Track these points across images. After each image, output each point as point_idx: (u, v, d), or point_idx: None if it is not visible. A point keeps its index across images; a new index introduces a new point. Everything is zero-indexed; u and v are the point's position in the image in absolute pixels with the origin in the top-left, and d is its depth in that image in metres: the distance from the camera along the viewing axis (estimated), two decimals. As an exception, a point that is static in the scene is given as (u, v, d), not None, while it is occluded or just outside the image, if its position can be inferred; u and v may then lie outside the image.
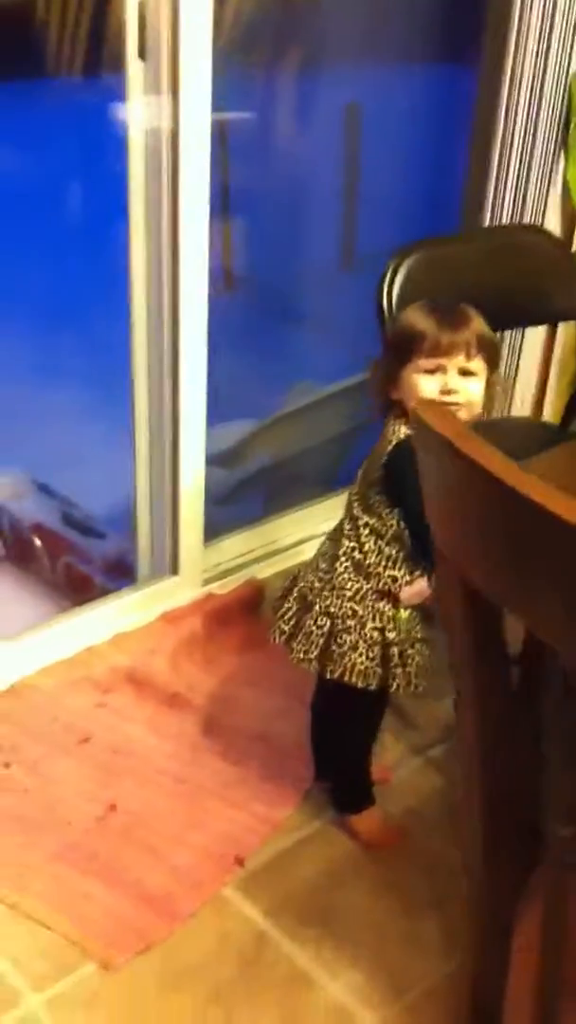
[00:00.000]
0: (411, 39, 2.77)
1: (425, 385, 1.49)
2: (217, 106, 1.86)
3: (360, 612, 1.56)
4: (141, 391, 2.07)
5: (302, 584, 1.62)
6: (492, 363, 1.54)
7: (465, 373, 1.50)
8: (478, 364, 1.51)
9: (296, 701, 1.92)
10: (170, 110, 1.81)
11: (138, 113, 1.85)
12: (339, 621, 1.56)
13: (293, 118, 3.12)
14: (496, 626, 0.80)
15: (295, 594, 1.62)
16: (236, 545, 2.35)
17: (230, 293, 3.12)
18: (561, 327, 2.52)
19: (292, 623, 1.61)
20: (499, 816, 0.89)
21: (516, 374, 2.51)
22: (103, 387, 2.48)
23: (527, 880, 0.94)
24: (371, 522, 1.55)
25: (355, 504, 1.58)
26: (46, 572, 2.36)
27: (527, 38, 2.17)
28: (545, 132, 2.28)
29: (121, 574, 2.28)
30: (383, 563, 1.55)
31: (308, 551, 2.38)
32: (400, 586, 1.56)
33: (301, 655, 1.59)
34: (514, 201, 2.32)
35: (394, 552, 1.55)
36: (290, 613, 1.61)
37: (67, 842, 1.66)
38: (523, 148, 2.28)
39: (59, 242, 3.28)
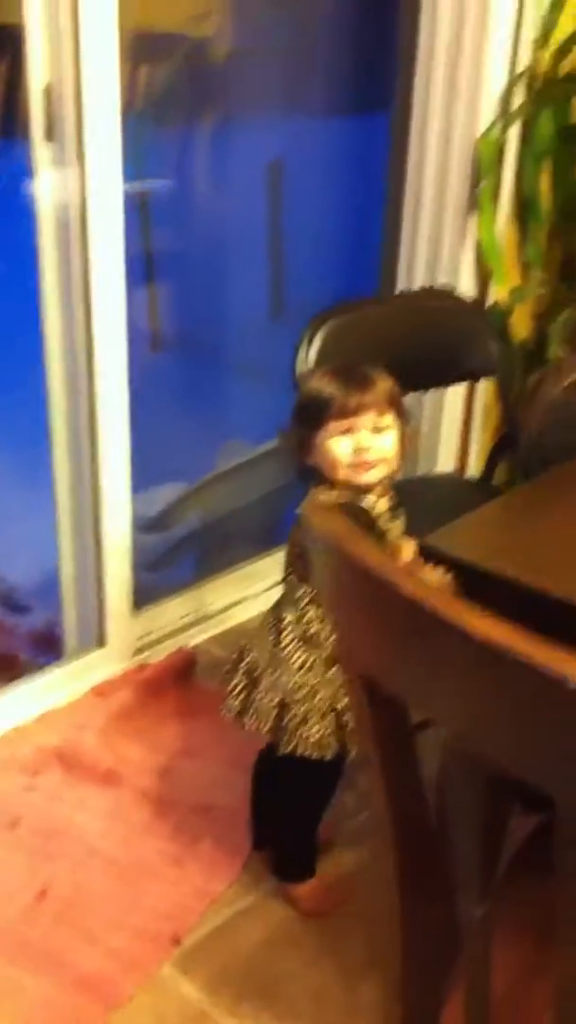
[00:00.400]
0: (330, 91, 2.81)
1: (339, 448, 1.49)
2: (136, 175, 1.87)
3: (310, 683, 1.54)
4: (61, 459, 2.05)
5: (249, 658, 1.60)
6: (402, 416, 1.54)
7: (377, 430, 1.50)
8: (389, 419, 1.51)
9: (234, 769, 1.90)
10: (79, 187, 1.81)
11: (47, 190, 1.85)
12: (288, 695, 1.54)
13: (214, 178, 3.15)
14: (400, 719, 0.79)
15: (243, 668, 1.60)
16: (167, 612, 2.32)
17: (158, 355, 3.12)
18: (480, 384, 2.55)
19: (242, 698, 1.59)
20: (416, 897, 0.86)
21: (439, 432, 2.53)
22: (24, 455, 2.44)
23: (450, 967, 0.92)
24: (310, 590, 1.54)
25: (291, 573, 1.57)
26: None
27: (433, 98, 2.22)
28: (456, 191, 2.32)
29: (49, 648, 2.23)
30: (328, 630, 1.53)
31: (242, 614, 2.38)
32: None
33: (254, 729, 1.57)
34: (427, 259, 2.35)
35: None
36: (239, 688, 1.59)
37: (-3, 931, 1.60)
38: (434, 207, 2.32)
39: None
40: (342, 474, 1.50)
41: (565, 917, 0.71)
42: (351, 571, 0.69)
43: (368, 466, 1.50)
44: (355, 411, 1.48)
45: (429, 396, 2.48)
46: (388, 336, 1.97)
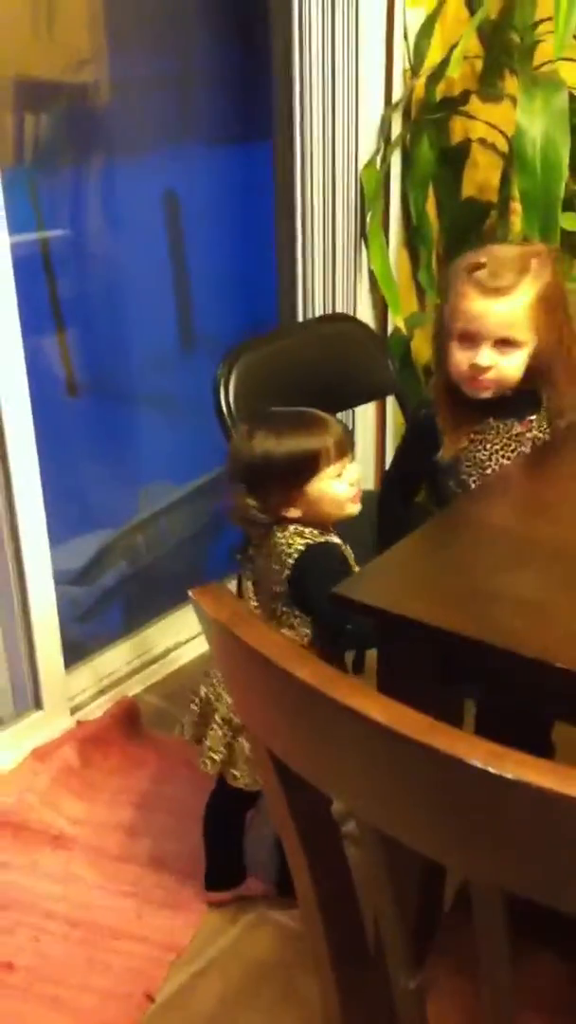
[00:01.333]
0: (216, 122, 2.83)
1: (339, 489, 1.57)
2: (33, 225, 1.86)
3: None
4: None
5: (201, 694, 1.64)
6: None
7: (352, 458, 1.61)
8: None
9: (184, 818, 1.90)
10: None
11: None
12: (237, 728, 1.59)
13: (113, 219, 3.15)
14: (312, 794, 0.79)
15: (196, 703, 1.65)
16: (103, 664, 2.30)
17: (74, 400, 3.10)
18: (388, 402, 2.58)
19: (195, 731, 1.64)
20: (351, 972, 0.87)
21: (354, 451, 2.56)
22: None
23: None
24: (286, 634, 1.57)
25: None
26: None
27: (311, 130, 2.24)
28: (344, 222, 2.35)
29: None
30: None
31: (181, 658, 2.37)
32: None
33: (207, 764, 1.61)
34: (324, 288, 2.38)
35: None
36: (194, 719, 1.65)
37: (-38, 1015, 1.57)
38: (325, 237, 2.34)
39: None
40: (347, 509, 1.59)
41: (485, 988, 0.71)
42: (247, 656, 0.70)
43: (360, 494, 1.61)
44: (345, 451, 1.57)
45: (341, 416, 2.51)
46: (297, 365, 2.02)
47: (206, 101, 2.79)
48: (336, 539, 1.59)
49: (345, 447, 1.58)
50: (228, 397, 1.87)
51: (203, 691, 1.63)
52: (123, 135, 2.89)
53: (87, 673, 2.26)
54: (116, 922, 1.73)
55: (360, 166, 2.29)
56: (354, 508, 1.60)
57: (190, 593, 0.72)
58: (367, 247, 2.35)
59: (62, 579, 2.16)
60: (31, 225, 2.70)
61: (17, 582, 2.04)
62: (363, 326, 2.21)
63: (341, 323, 2.24)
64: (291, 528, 1.57)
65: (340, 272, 2.36)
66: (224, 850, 1.76)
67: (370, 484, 2.64)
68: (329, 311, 2.41)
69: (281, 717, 0.73)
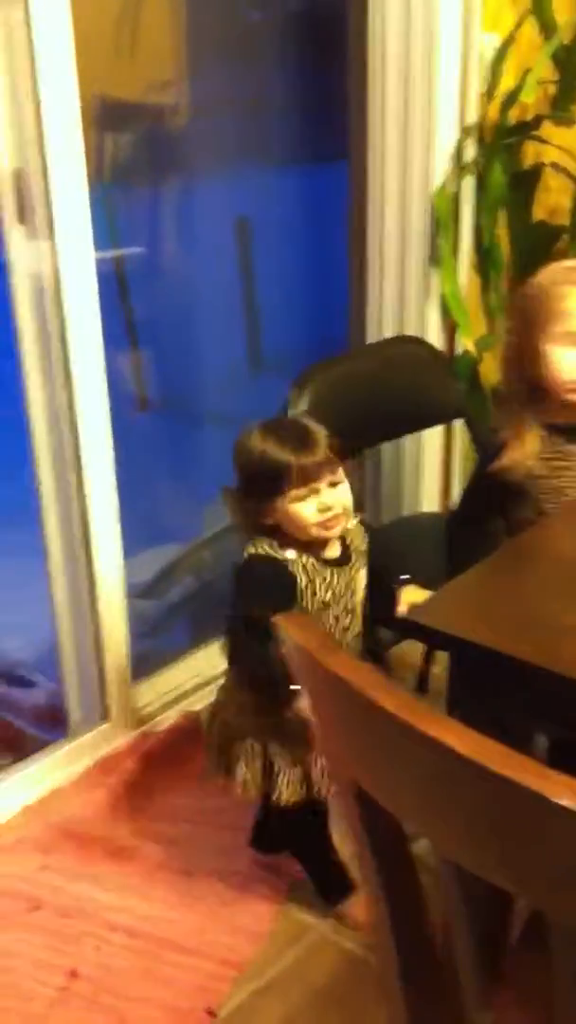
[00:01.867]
0: (288, 146, 2.86)
1: (305, 511, 1.55)
2: (109, 243, 1.90)
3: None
4: (51, 528, 2.06)
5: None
6: (344, 461, 1.60)
7: (333, 484, 1.57)
8: (340, 471, 1.58)
9: (247, 833, 1.90)
10: (51, 263, 1.84)
11: (21, 268, 1.88)
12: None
13: (186, 240, 3.20)
14: (394, 828, 0.80)
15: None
16: (167, 680, 2.32)
17: (144, 416, 3.15)
18: (456, 425, 2.58)
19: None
20: (421, 1001, 0.87)
21: (420, 473, 2.57)
22: (15, 528, 2.46)
23: None
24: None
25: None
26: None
27: (386, 155, 2.26)
28: (417, 245, 2.36)
29: (53, 722, 2.23)
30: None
31: (242, 675, 2.38)
32: None
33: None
34: (395, 311, 2.40)
35: None
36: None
37: (31, 1017, 1.59)
38: (397, 260, 2.36)
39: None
40: (312, 532, 1.57)
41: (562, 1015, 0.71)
42: (333, 684, 0.71)
43: (335, 522, 1.57)
44: (315, 476, 1.54)
45: (411, 439, 2.52)
46: (367, 387, 2.03)
47: (280, 124, 2.83)
48: (284, 553, 1.58)
49: (316, 473, 1.53)
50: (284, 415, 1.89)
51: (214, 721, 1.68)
52: (198, 156, 2.94)
53: (152, 687, 2.28)
54: (178, 936, 1.74)
55: (433, 190, 2.30)
56: (321, 532, 1.57)
57: (274, 620, 0.73)
58: (438, 270, 2.35)
59: (129, 592, 2.19)
60: (106, 243, 2.75)
61: (89, 594, 2.07)
62: (432, 349, 2.22)
63: (410, 345, 2.25)
64: (261, 537, 1.59)
65: (410, 295, 2.37)
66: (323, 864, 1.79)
67: (435, 506, 2.65)
68: (399, 333, 2.42)
69: (363, 745, 0.74)
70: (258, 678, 1.59)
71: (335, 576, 1.62)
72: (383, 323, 2.39)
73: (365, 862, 0.83)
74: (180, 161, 3.02)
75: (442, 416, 2.32)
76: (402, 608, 1.63)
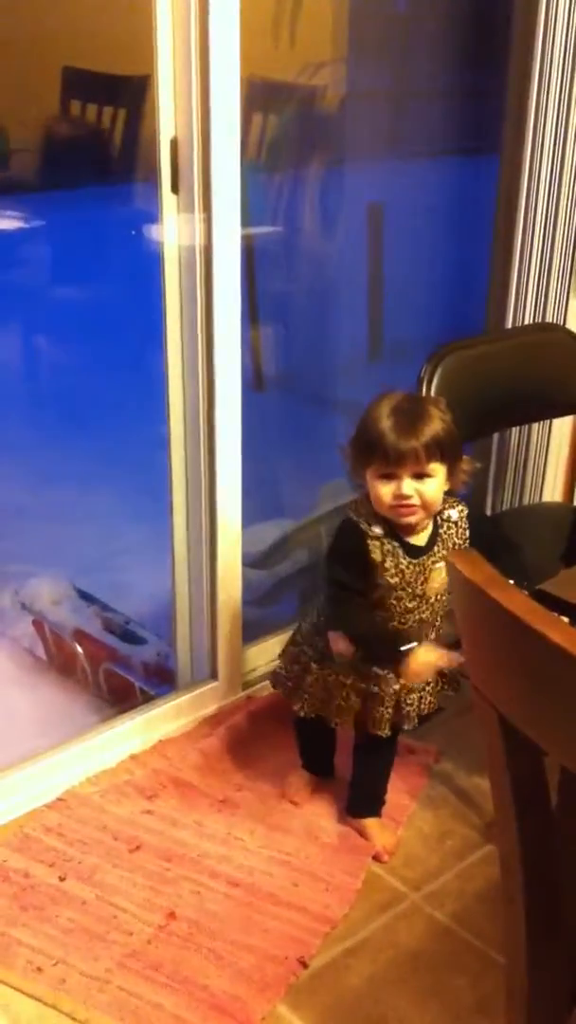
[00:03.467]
0: (431, 135, 2.87)
1: (382, 490, 1.61)
2: (241, 221, 1.94)
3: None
4: (179, 494, 2.12)
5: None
6: (449, 459, 1.62)
7: (419, 477, 1.60)
8: (433, 466, 1.60)
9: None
10: (202, 233, 1.90)
11: (172, 236, 1.94)
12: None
13: (316, 223, 3.23)
14: (534, 756, 0.82)
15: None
16: (274, 648, 2.36)
17: (261, 395, 3.20)
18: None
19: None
20: (543, 937, 0.89)
21: (545, 461, 2.56)
22: (141, 492, 2.54)
23: (571, 1006, 0.94)
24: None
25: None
26: (88, 679, 2.38)
27: (543, 143, 2.26)
28: (564, 234, 2.36)
29: (162, 679, 2.30)
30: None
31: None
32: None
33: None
34: (535, 302, 2.39)
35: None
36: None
37: (130, 952, 1.66)
38: (543, 249, 2.36)
39: (99, 353, 3.40)
40: (385, 511, 1.63)
41: None
42: (498, 618, 0.73)
43: (409, 511, 1.62)
44: (397, 461, 1.58)
45: (537, 427, 2.51)
46: (500, 370, 2.04)
47: (426, 115, 2.84)
48: (372, 529, 1.64)
49: (400, 460, 1.57)
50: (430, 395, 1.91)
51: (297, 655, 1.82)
52: (343, 141, 2.98)
53: (259, 653, 2.33)
54: (273, 888, 1.79)
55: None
56: (394, 516, 1.63)
57: (446, 556, 0.76)
58: (584, 261, 2.35)
59: (244, 562, 2.24)
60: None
61: (209, 559, 2.13)
62: (572, 336, 2.20)
63: (551, 332, 2.25)
64: (365, 503, 1.66)
65: (554, 284, 2.37)
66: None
67: (557, 496, 2.64)
68: (538, 319, 2.41)
69: (520, 678, 0.77)
70: (366, 639, 1.68)
71: (409, 564, 1.67)
72: (524, 312, 2.39)
73: (500, 790, 0.86)
74: (321, 145, 3.06)
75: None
76: (409, 674, 1.69)
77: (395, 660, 1.67)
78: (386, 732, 1.79)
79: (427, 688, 1.81)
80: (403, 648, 1.67)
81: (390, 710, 1.78)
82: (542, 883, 0.87)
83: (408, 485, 1.59)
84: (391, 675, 1.75)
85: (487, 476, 2.54)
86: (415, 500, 1.60)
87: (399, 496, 1.60)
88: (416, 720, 1.81)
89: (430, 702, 1.82)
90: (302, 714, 1.82)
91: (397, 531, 1.67)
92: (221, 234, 1.89)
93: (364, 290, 3.23)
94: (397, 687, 1.77)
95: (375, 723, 1.78)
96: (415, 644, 1.68)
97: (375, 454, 1.59)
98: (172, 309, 1.98)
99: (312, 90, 2.90)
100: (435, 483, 1.62)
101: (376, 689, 1.76)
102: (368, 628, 1.70)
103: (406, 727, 1.82)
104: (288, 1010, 1.59)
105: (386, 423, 1.58)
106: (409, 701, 1.79)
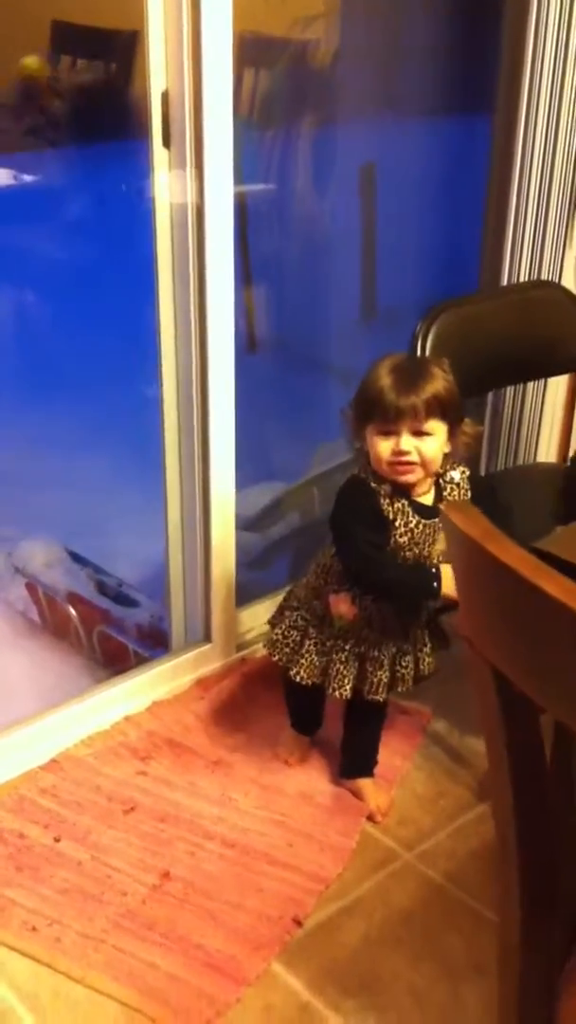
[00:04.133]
0: (424, 92, 2.83)
1: (381, 446, 1.61)
2: (234, 179, 1.91)
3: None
4: (172, 457, 2.11)
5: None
6: (450, 418, 1.62)
7: (418, 434, 1.60)
8: (432, 424, 1.60)
9: (335, 756, 1.97)
10: (194, 189, 1.87)
11: (163, 193, 1.91)
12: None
13: (308, 182, 3.19)
14: (529, 712, 0.81)
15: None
16: (267, 610, 2.35)
17: (254, 355, 3.17)
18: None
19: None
20: (537, 895, 0.89)
21: (540, 421, 2.55)
22: (133, 455, 2.52)
23: (565, 963, 0.94)
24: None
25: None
26: (81, 641, 2.38)
27: (538, 99, 2.23)
28: (560, 190, 2.33)
29: (155, 642, 2.29)
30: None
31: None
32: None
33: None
34: (531, 260, 2.37)
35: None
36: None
37: (125, 912, 1.67)
38: (538, 207, 2.33)
39: (88, 314, 3.36)
40: (384, 470, 1.62)
41: None
42: (495, 571, 0.73)
43: (407, 468, 1.61)
44: (396, 417, 1.58)
45: (532, 386, 2.50)
46: (496, 328, 2.02)
47: (419, 73, 2.80)
48: (382, 487, 1.64)
49: (398, 416, 1.57)
50: (425, 354, 1.90)
51: (295, 620, 1.80)
52: (336, 98, 2.93)
53: (253, 615, 2.33)
54: (268, 848, 1.80)
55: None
56: (392, 474, 1.63)
57: (441, 507, 0.75)
58: (580, 217, 2.33)
59: (237, 525, 2.23)
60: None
61: (202, 521, 2.12)
62: (569, 293, 2.18)
63: (546, 289, 2.23)
64: (368, 465, 1.65)
65: (549, 241, 2.35)
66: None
67: (552, 457, 2.63)
68: (533, 277, 2.39)
69: (516, 631, 0.76)
70: (402, 579, 1.68)
71: (419, 522, 1.66)
72: (519, 271, 2.37)
73: (495, 746, 0.85)
74: (314, 102, 3.01)
75: (572, 365, 2.28)
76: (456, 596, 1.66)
77: (432, 588, 1.65)
78: (384, 696, 1.79)
79: (424, 650, 1.81)
80: (435, 571, 1.66)
81: (387, 673, 1.77)
82: (537, 841, 0.87)
83: (407, 441, 1.59)
84: (389, 637, 1.75)
85: (482, 436, 2.53)
86: (414, 457, 1.60)
87: (397, 452, 1.60)
88: (410, 683, 1.81)
89: (428, 663, 1.82)
90: (299, 680, 1.80)
91: (401, 489, 1.66)
92: (214, 190, 1.86)
93: (357, 250, 3.20)
94: (394, 649, 1.76)
95: (373, 688, 1.78)
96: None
97: (375, 410, 1.59)
98: (164, 269, 1.95)
99: (304, 45, 2.86)
100: (435, 441, 1.61)
101: (375, 652, 1.75)
102: (401, 569, 1.68)
103: (400, 689, 1.82)
104: (283, 968, 1.60)
105: (386, 380, 1.59)
106: (404, 663, 1.79)
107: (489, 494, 2.07)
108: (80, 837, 1.80)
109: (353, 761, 1.93)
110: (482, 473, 2.54)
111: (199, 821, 1.85)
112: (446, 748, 2.07)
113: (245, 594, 2.32)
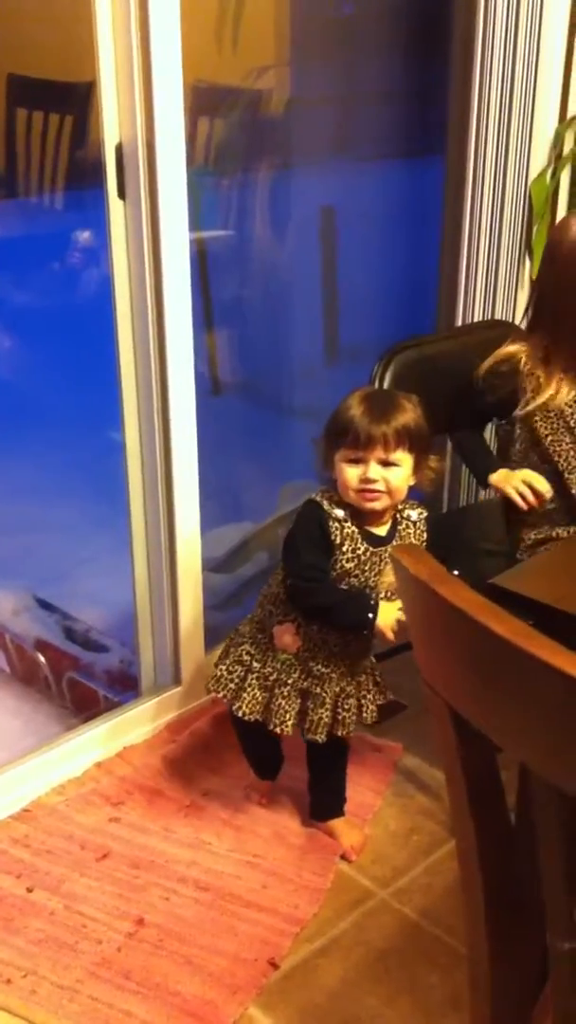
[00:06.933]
0: (378, 137, 2.89)
1: (348, 474, 1.64)
2: (193, 225, 1.94)
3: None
4: (136, 501, 2.12)
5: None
6: (418, 450, 1.66)
7: (385, 464, 1.63)
8: (399, 455, 1.64)
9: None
10: (150, 238, 1.89)
11: (120, 242, 1.93)
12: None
13: (268, 227, 3.24)
14: (487, 750, 0.83)
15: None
16: (238, 649, 2.36)
17: (218, 399, 3.20)
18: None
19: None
20: (503, 931, 0.90)
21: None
22: (100, 500, 2.53)
23: (535, 1001, 0.95)
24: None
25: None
26: (51, 688, 2.37)
27: (486, 144, 2.29)
28: (511, 232, 2.39)
29: (125, 686, 2.29)
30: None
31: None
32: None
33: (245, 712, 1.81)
34: (484, 300, 2.42)
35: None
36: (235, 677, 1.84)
37: (100, 960, 1.65)
38: (490, 247, 2.39)
39: (53, 361, 3.38)
40: (351, 497, 1.65)
41: None
42: (444, 612, 0.74)
43: (373, 496, 1.64)
44: (365, 445, 1.62)
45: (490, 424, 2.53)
46: (451, 368, 2.05)
47: (372, 118, 2.86)
48: (334, 511, 1.67)
49: (368, 443, 1.61)
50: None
51: (239, 656, 1.80)
52: (290, 145, 2.99)
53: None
54: (242, 891, 1.80)
55: (530, 180, 2.33)
56: (359, 501, 1.65)
57: (390, 548, 0.77)
58: (531, 259, 2.38)
59: (205, 566, 2.24)
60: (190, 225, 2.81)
61: (169, 565, 2.13)
62: (522, 333, 2.22)
63: (500, 329, 2.26)
64: (330, 490, 1.68)
65: (502, 282, 2.40)
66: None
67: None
68: (487, 318, 2.44)
69: (469, 672, 0.78)
70: (338, 605, 1.69)
71: (367, 551, 1.69)
72: (473, 311, 2.42)
73: (454, 782, 0.87)
74: (269, 149, 3.06)
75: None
76: (389, 634, 1.68)
77: (366, 619, 1.66)
78: (321, 738, 1.78)
79: (367, 697, 1.81)
80: (372, 603, 1.67)
81: (328, 713, 1.77)
82: (500, 876, 0.88)
83: (375, 469, 1.63)
84: (332, 675, 1.75)
85: (443, 474, 2.55)
86: (380, 485, 1.63)
87: (365, 480, 1.63)
88: (351, 727, 1.81)
89: (371, 711, 1.81)
90: (241, 715, 1.79)
91: (358, 517, 1.69)
92: (170, 238, 1.89)
93: (319, 292, 3.24)
94: (337, 689, 1.77)
95: (312, 727, 1.77)
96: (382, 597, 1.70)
97: (345, 437, 1.62)
98: (123, 315, 1.98)
99: (258, 94, 2.91)
100: (401, 472, 1.64)
101: (318, 690, 1.76)
102: (338, 594, 1.69)
103: (339, 733, 1.80)
104: (260, 1012, 1.59)
105: (357, 409, 1.63)
106: (347, 706, 1.78)
107: (451, 532, 2.10)
108: (53, 886, 1.79)
109: (321, 802, 1.93)
110: (444, 509, 2.57)
111: (173, 866, 1.84)
112: (418, 784, 2.08)
113: (215, 636, 2.32)
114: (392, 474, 1.63)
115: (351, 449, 1.62)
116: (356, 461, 1.63)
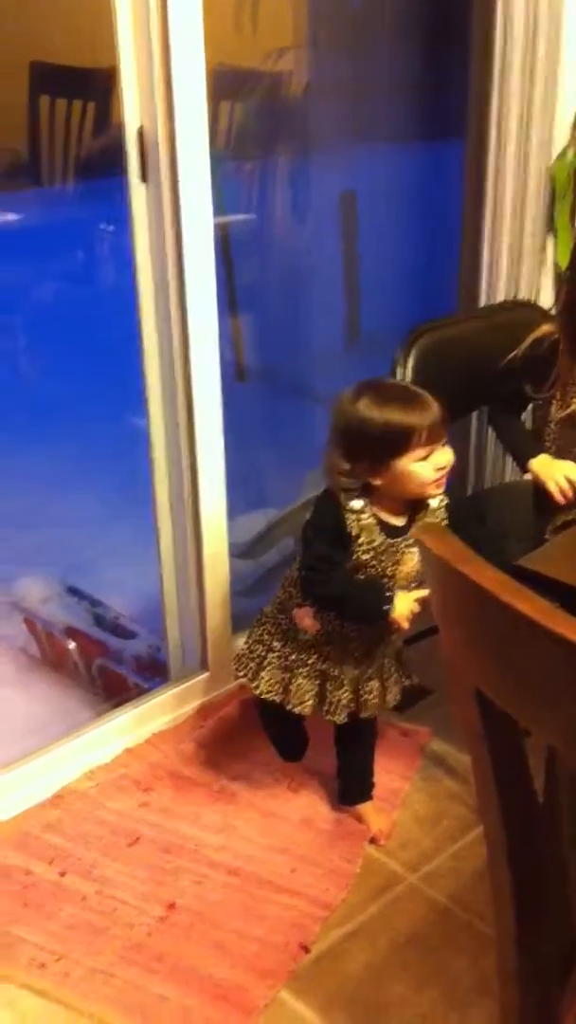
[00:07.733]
0: (398, 120, 2.87)
1: (424, 471, 1.63)
2: (216, 210, 1.93)
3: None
4: (162, 488, 2.12)
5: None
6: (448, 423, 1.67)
7: (445, 443, 1.66)
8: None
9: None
10: (172, 222, 1.88)
11: (143, 227, 1.93)
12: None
13: (290, 212, 3.23)
14: (513, 732, 0.82)
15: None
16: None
17: (242, 385, 3.20)
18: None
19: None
20: (531, 917, 0.90)
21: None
22: (127, 487, 2.53)
23: (564, 989, 0.95)
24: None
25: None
26: (80, 674, 2.39)
27: (507, 125, 2.26)
28: (534, 211, 2.36)
29: (153, 672, 2.30)
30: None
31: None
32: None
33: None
34: (508, 280, 2.40)
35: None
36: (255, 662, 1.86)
37: (132, 945, 1.67)
38: (512, 227, 2.36)
39: (76, 349, 3.39)
40: (428, 490, 1.65)
41: None
42: (467, 591, 0.74)
43: (445, 479, 1.66)
44: (436, 436, 1.62)
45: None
46: (476, 349, 2.04)
47: (393, 100, 2.84)
48: (350, 503, 1.66)
49: (440, 432, 1.62)
50: (406, 375, 1.92)
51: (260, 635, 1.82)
52: (311, 128, 2.97)
53: (249, 642, 2.33)
54: (272, 875, 1.80)
55: (552, 160, 2.30)
56: (434, 491, 1.66)
57: (412, 531, 0.77)
58: (555, 239, 2.35)
59: (231, 552, 2.24)
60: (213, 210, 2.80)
61: (195, 552, 2.13)
62: (545, 313, 2.20)
63: (522, 309, 2.24)
64: (351, 494, 1.66)
65: (525, 263, 2.37)
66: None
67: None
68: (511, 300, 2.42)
69: (493, 650, 0.77)
70: (350, 596, 1.70)
71: (383, 541, 1.68)
72: (496, 293, 2.39)
73: (481, 766, 0.86)
74: (291, 133, 3.05)
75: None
76: (404, 624, 1.69)
77: (380, 610, 1.67)
78: (340, 719, 1.79)
79: (389, 680, 1.81)
80: (387, 594, 1.68)
81: (348, 695, 1.77)
82: (527, 859, 0.88)
83: (446, 453, 1.64)
84: (350, 657, 1.76)
85: (468, 455, 2.54)
86: (449, 466, 1.66)
87: (441, 468, 1.64)
88: (374, 710, 1.81)
89: (394, 692, 1.82)
90: (259, 693, 1.80)
91: (381, 507, 1.68)
92: (192, 222, 1.88)
93: (340, 276, 3.23)
94: (357, 671, 1.77)
95: (331, 708, 1.78)
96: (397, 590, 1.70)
97: (408, 443, 1.60)
98: (146, 301, 1.97)
99: (278, 77, 2.90)
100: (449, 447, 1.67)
101: (336, 672, 1.76)
102: (351, 585, 1.70)
103: (362, 715, 1.81)
104: (291, 996, 1.60)
105: (407, 412, 1.61)
106: (368, 688, 1.79)
107: (475, 515, 2.08)
108: (85, 871, 1.81)
109: (349, 786, 1.94)
110: (469, 491, 2.55)
111: (203, 851, 1.85)
112: (446, 768, 2.07)
113: (241, 621, 2.32)
114: (448, 448, 1.66)
115: (423, 448, 1.61)
116: (427, 456, 1.63)
